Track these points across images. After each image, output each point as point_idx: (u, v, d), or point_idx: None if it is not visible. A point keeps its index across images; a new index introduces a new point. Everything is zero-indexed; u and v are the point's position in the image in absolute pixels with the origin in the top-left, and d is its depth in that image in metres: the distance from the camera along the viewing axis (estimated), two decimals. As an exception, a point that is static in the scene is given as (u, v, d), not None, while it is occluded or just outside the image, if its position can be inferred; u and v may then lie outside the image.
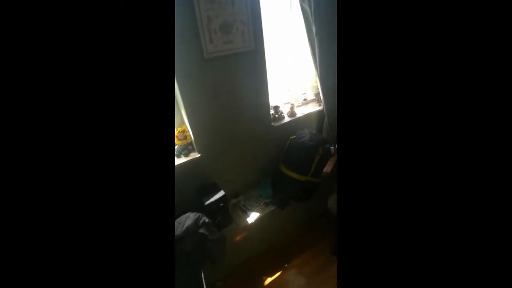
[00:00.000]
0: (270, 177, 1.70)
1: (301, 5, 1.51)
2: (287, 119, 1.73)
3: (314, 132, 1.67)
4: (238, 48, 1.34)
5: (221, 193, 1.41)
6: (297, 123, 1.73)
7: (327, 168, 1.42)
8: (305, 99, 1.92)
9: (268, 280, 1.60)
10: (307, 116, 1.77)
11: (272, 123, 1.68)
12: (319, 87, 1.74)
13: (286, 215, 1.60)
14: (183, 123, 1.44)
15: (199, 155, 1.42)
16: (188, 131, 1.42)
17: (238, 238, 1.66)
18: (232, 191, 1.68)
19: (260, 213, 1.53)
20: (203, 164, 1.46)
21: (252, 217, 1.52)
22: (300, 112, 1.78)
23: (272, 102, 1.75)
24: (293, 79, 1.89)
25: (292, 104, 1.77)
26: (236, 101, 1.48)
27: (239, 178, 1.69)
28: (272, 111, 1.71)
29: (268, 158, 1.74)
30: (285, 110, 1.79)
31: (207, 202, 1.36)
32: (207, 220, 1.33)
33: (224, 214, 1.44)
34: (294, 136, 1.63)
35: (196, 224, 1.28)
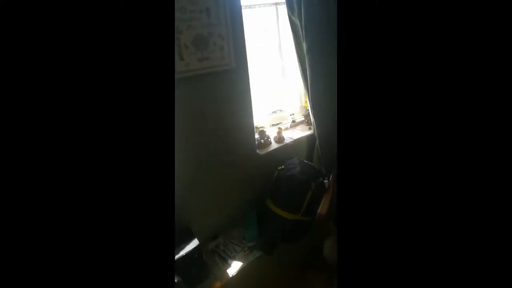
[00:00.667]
0: (255, 213, 1.46)
1: (289, 17, 1.32)
2: (274, 145, 1.51)
3: (305, 161, 1.46)
4: (215, 66, 1.11)
5: (194, 243, 1.14)
6: (286, 150, 1.51)
7: (322, 209, 1.20)
8: (293, 121, 1.72)
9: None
10: (296, 142, 1.56)
11: (258, 151, 1.45)
12: (310, 108, 1.55)
13: (272, 258, 1.35)
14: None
15: (167, 195, 1.15)
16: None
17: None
18: (210, 231, 1.41)
19: (243, 262, 1.27)
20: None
21: (234, 267, 1.25)
22: (289, 137, 1.57)
23: (257, 126, 1.54)
24: (281, 100, 1.69)
25: (280, 128, 1.56)
26: (213, 126, 1.24)
27: (219, 216, 1.43)
28: (257, 136, 1.49)
29: (253, 192, 1.50)
30: (271, 134, 1.57)
31: (177, 256, 1.08)
32: (176, 280, 1.06)
33: (199, 267, 1.17)
34: (283, 167, 1.41)
35: None
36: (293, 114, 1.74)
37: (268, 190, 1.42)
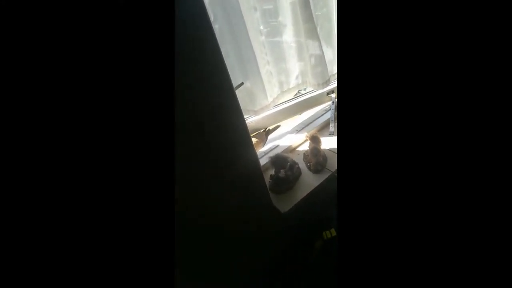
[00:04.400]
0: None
1: None
2: (309, 179, 0.72)
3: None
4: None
5: None
6: (332, 189, 0.73)
7: None
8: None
9: None
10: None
11: (276, 202, 0.67)
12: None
13: None
14: None
15: None
16: None
17: None
18: None
19: None
20: None
21: None
22: (331, 149, 0.77)
23: (268, 129, 0.72)
24: (304, 68, 0.80)
25: (314, 137, 0.74)
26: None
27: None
28: (265, 161, 0.70)
29: (273, 281, 0.79)
30: (296, 142, 0.77)
31: None
32: None
33: None
34: (333, 233, 0.66)
35: None
36: (333, 93, 0.89)
37: (303, 279, 0.71)
